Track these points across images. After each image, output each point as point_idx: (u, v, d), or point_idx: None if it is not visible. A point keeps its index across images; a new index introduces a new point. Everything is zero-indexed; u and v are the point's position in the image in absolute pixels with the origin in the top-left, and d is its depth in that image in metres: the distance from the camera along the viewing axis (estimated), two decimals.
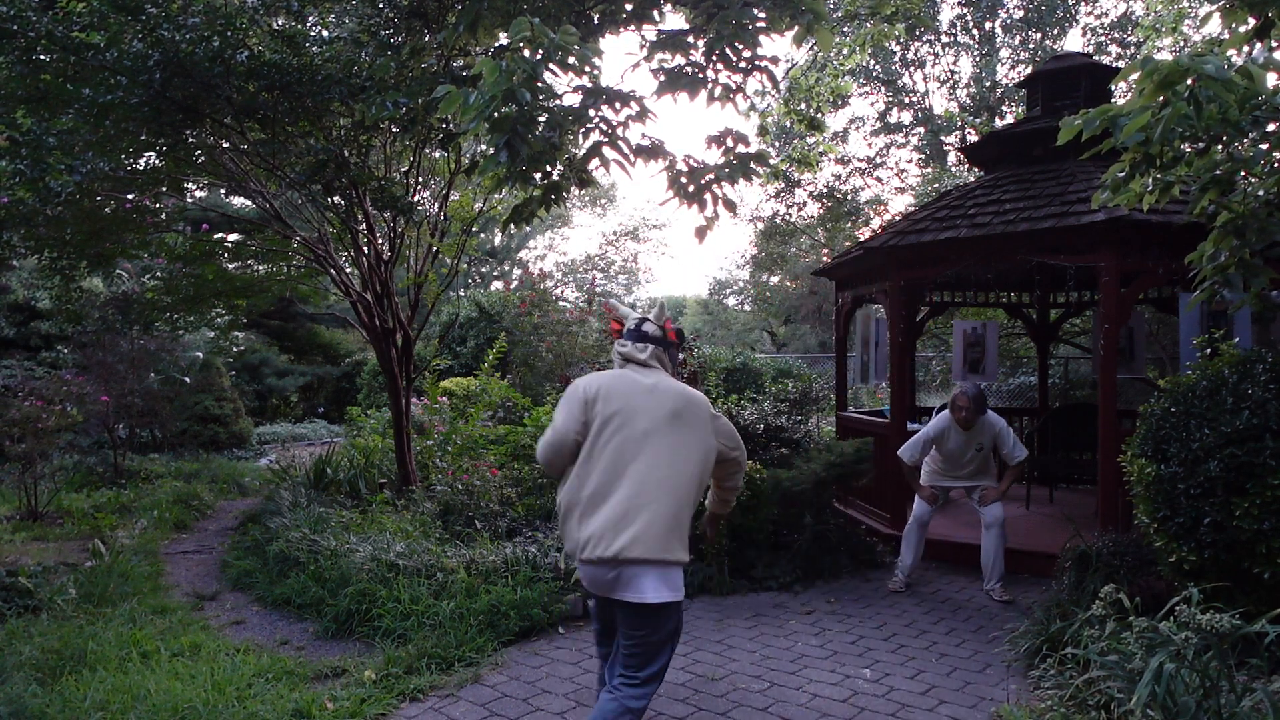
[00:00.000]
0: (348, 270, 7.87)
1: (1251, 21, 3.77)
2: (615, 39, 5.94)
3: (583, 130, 4.13)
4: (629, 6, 4.86)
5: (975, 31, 16.39)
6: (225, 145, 6.73)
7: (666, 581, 2.91)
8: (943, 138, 17.21)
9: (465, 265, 14.08)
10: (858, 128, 18.86)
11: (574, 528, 2.99)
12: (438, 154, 7.85)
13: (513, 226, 4.74)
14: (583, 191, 6.98)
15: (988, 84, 16.02)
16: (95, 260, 6.94)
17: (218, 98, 5.33)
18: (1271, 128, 3.56)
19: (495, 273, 29.52)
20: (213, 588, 5.95)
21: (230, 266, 8.22)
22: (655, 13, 4.87)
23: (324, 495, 7.29)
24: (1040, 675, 3.93)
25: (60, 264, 6.89)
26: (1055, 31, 15.65)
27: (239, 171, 7.07)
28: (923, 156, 17.73)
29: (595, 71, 3.84)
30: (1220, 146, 3.74)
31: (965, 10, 16.13)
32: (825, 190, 17.40)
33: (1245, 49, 3.90)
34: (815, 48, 9.61)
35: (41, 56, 5.25)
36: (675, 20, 4.86)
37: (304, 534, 5.91)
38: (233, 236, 9.07)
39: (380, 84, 5.11)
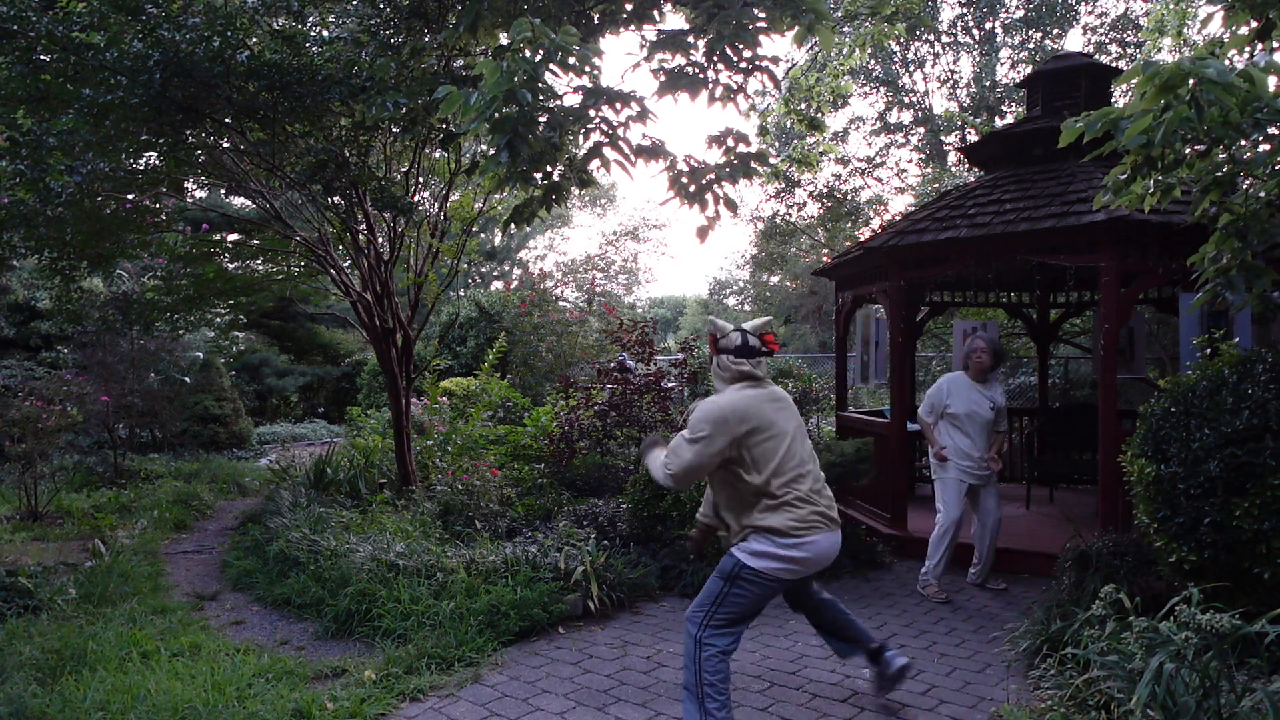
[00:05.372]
0: (348, 270, 7.87)
1: (1253, 23, 3.77)
2: (615, 39, 5.94)
3: (583, 130, 4.13)
4: (629, 6, 4.86)
5: (975, 31, 16.40)
6: (225, 145, 6.73)
7: None
8: (943, 138, 17.22)
9: (465, 265, 14.09)
10: (858, 128, 18.88)
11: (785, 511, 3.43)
12: (438, 154, 7.85)
13: (513, 226, 4.75)
14: (583, 191, 6.98)
15: (988, 84, 16.02)
16: (95, 260, 6.94)
17: (218, 98, 5.32)
18: (1273, 130, 3.56)
19: (495, 273, 29.51)
20: (213, 588, 5.94)
21: (230, 266, 8.21)
22: (655, 13, 4.87)
23: (324, 495, 7.29)
24: (1040, 675, 3.93)
25: (60, 264, 6.89)
26: (1055, 31, 15.65)
27: (239, 171, 7.07)
28: (923, 156, 17.74)
29: (596, 72, 3.84)
30: (1221, 149, 3.74)
31: (965, 10, 16.13)
32: (825, 190, 17.41)
33: (1246, 50, 3.90)
34: (815, 47, 9.61)
35: (41, 56, 5.24)
36: (675, 20, 4.85)
37: (304, 534, 5.91)
38: (233, 236, 9.08)
39: (380, 84, 5.11)
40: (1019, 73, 15.44)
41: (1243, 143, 3.70)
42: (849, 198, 17.55)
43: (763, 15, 4.29)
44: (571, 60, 3.64)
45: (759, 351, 3.54)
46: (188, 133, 6.04)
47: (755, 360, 3.53)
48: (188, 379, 11.57)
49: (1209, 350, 4.47)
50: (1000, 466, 5.63)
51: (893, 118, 17.79)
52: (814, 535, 3.42)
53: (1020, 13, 15.80)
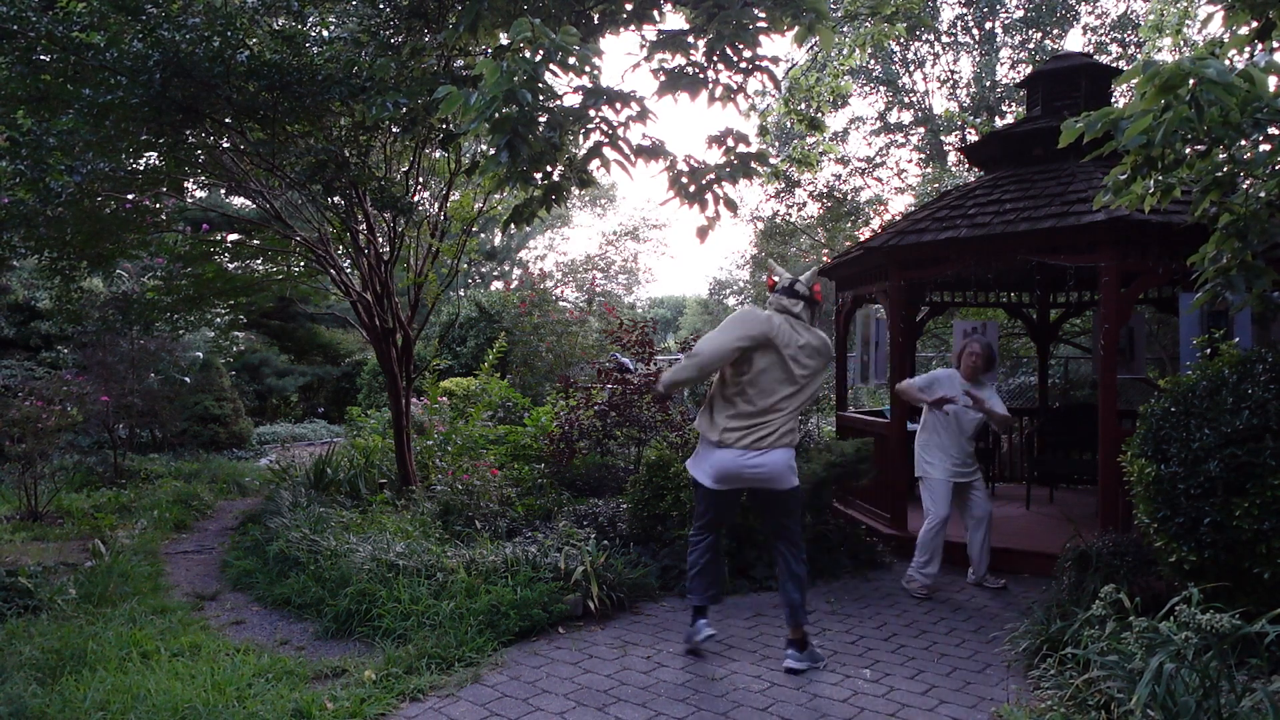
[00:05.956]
0: (348, 270, 7.87)
1: (1253, 23, 3.77)
2: (615, 39, 5.94)
3: (583, 130, 4.13)
4: (629, 6, 4.86)
5: (975, 31, 16.40)
6: (225, 145, 6.73)
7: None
8: (943, 138, 17.22)
9: (465, 265, 14.10)
10: (858, 128, 18.87)
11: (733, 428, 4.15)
12: (438, 154, 7.85)
13: (513, 226, 4.74)
14: (583, 192, 6.99)
15: (988, 84, 16.02)
16: (95, 260, 6.94)
17: (218, 98, 5.32)
18: (1273, 130, 3.56)
19: (495, 273, 29.50)
20: (213, 588, 5.95)
21: (230, 266, 8.21)
22: (655, 13, 4.87)
23: (324, 495, 7.29)
24: (1040, 675, 3.94)
25: (60, 264, 6.89)
26: (1055, 31, 15.65)
27: (239, 171, 7.07)
28: (923, 156, 17.73)
29: (596, 72, 3.84)
30: (1221, 149, 3.74)
31: (965, 10, 16.13)
32: (825, 190, 17.40)
33: (1246, 50, 3.90)
34: (815, 47, 9.62)
35: (41, 56, 5.25)
36: (675, 20, 4.85)
37: (304, 534, 5.91)
38: (233, 236, 9.08)
39: (380, 84, 5.11)
40: (1019, 73, 15.44)
41: (1243, 143, 3.70)
42: (849, 198, 17.54)
43: (763, 15, 4.29)
44: (571, 60, 3.64)
45: (802, 295, 4.19)
46: (188, 133, 6.04)
47: (795, 300, 4.19)
48: (188, 379, 11.57)
49: (1209, 350, 4.47)
50: (971, 403, 5.50)
51: (893, 118, 17.79)
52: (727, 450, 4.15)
53: (1020, 13, 15.80)
